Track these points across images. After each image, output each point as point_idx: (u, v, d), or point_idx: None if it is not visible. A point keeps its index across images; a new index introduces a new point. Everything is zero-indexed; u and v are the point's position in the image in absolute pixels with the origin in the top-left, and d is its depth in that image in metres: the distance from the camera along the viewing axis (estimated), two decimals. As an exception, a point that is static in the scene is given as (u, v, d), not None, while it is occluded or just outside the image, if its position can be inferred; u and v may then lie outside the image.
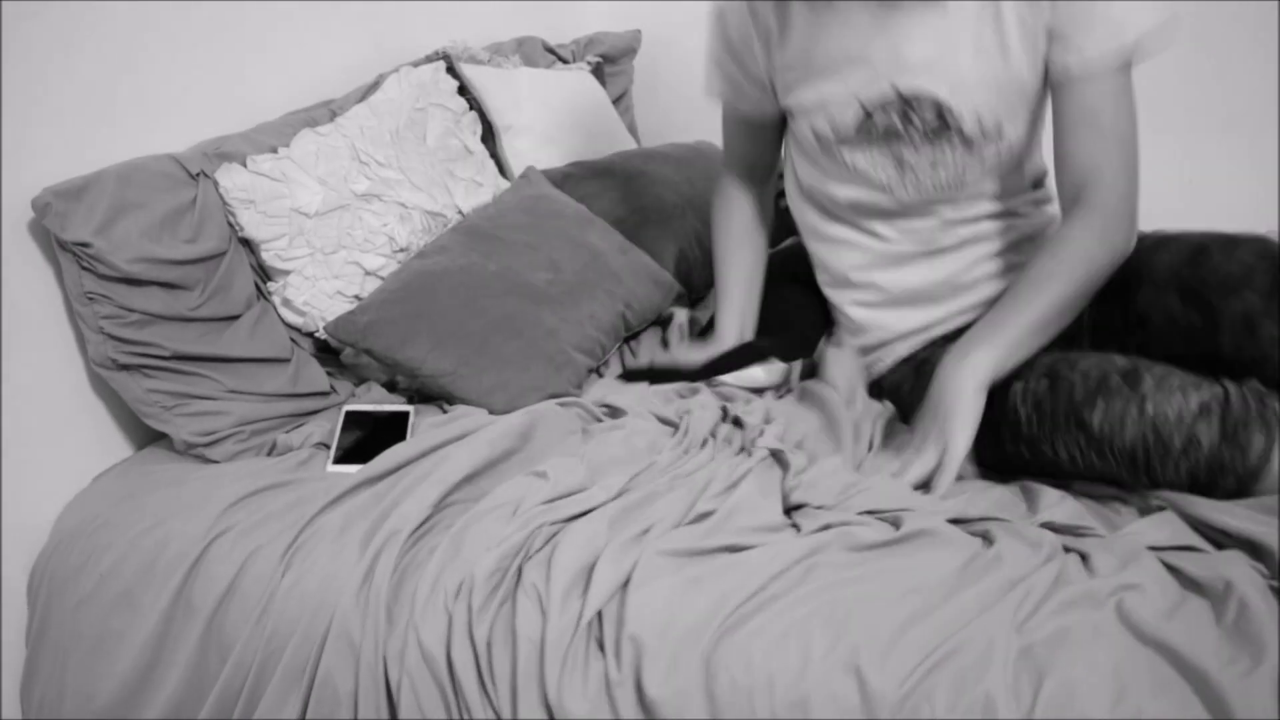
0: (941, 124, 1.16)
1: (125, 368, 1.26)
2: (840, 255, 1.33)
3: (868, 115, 1.18)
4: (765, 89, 1.29)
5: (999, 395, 1.10)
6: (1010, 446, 1.11)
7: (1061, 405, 1.05)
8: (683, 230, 1.67)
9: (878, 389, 1.34)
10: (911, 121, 1.17)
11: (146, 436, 1.39)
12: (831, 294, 1.39)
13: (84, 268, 1.22)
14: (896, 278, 1.30)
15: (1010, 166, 1.23)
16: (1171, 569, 0.93)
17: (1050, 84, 1.16)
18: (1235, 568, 0.89)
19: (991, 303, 1.21)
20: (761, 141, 1.40)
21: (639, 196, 1.68)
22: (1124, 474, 1.04)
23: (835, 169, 1.27)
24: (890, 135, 1.19)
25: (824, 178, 1.30)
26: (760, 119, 1.37)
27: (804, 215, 1.38)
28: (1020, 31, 1.14)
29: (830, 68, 1.19)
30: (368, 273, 1.47)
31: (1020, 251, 1.29)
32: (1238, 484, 0.99)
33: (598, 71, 2.07)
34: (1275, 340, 1.05)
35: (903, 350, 1.32)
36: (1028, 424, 1.08)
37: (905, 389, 1.28)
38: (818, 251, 1.38)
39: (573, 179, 1.68)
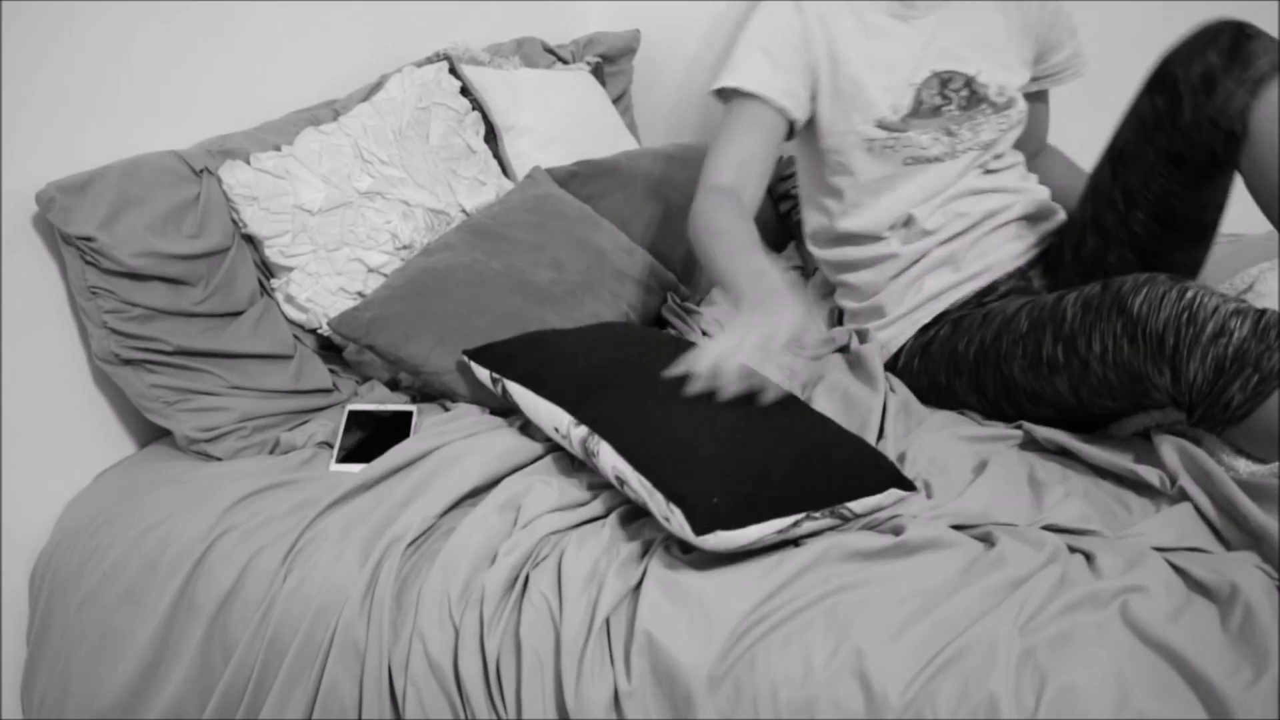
0: (972, 95, 1.38)
1: (128, 363, 1.26)
2: (879, 267, 1.45)
3: (918, 96, 1.37)
4: (806, 87, 1.38)
5: (1049, 305, 1.20)
6: (1050, 348, 1.18)
7: (1110, 298, 1.12)
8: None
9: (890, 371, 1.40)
10: (948, 98, 1.38)
11: (149, 433, 1.39)
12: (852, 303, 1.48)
13: (87, 262, 1.21)
14: (924, 247, 1.42)
15: (1020, 135, 1.47)
16: (1178, 570, 0.93)
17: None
18: (1242, 570, 0.90)
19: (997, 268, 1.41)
20: (766, 158, 1.37)
21: (645, 195, 1.68)
22: (1150, 365, 1.07)
23: (893, 164, 1.40)
24: (935, 111, 1.38)
25: (870, 195, 1.42)
26: (779, 126, 1.37)
27: (838, 254, 1.48)
28: (1021, 32, 1.43)
29: (891, 60, 1.38)
30: (370, 270, 1.47)
31: (1025, 225, 1.44)
32: (1259, 384, 1.02)
33: (597, 71, 2.07)
34: (1230, 95, 1.17)
35: (920, 319, 1.40)
36: (1072, 321, 1.15)
37: (915, 365, 1.37)
38: (849, 279, 1.48)
39: (579, 177, 1.68)
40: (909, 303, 1.41)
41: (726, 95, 1.38)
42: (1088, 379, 1.14)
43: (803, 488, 0.97)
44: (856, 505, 1.00)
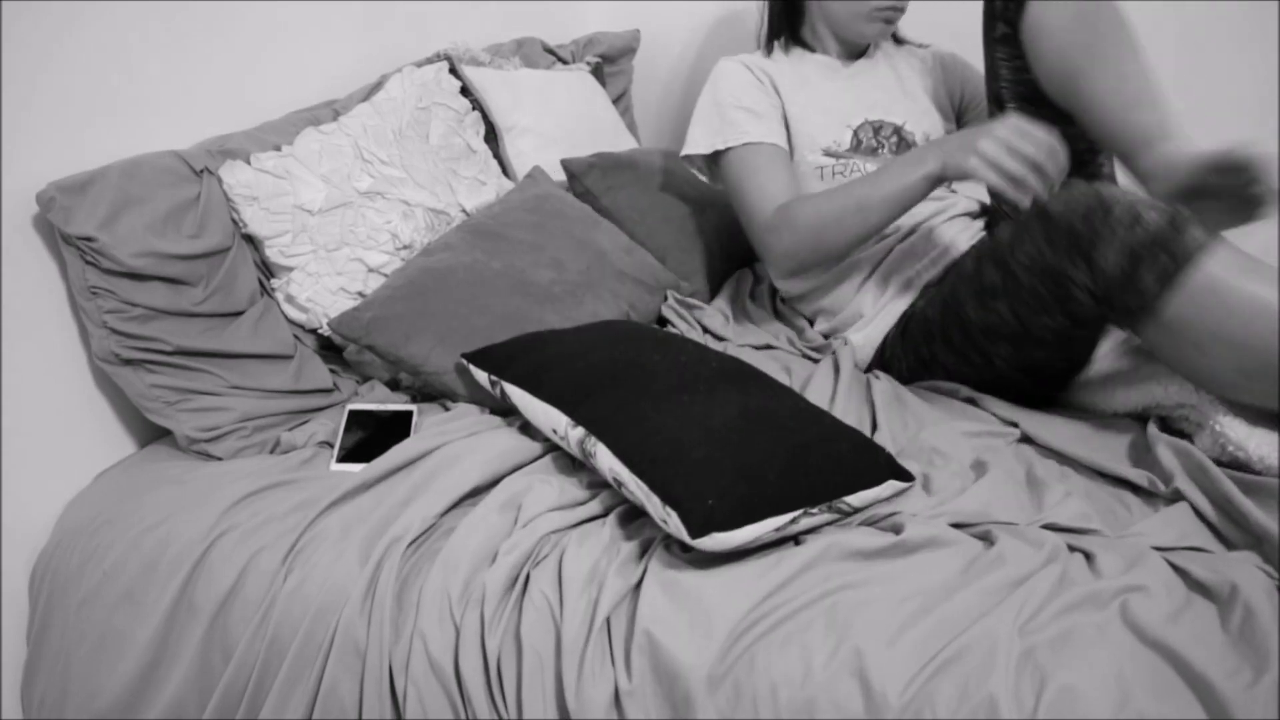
0: (901, 140, 1.54)
1: (128, 363, 1.26)
2: (848, 282, 1.52)
3: (856, 136, 1.53)
4: (781, 124, 1.53)
5: (990, 240, 1.29)
6: (989, 275, 1.23)
7: (1032, 209, 1.17)
8: (706, 225, 1.70)
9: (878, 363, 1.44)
10: (881, 143, 1.53)
11: (149, 433, 1.39)
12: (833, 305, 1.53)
13: (88, 262, 1.21)
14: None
15: None
16: (1178, 570, 0.93)
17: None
18: (1243, 570, 0.90)
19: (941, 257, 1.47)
20: (794, 180, 1.50)
21: (661, 191, 1.70)
22: (1068, 261, 1.11)
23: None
24: (872, 151, 1.53)
25: None
26: (785, 155, 1.52)
27: (809, 284, 1.55)
28: (937, 86, 1.64)
29: (828, 106, 1.54)
30: (370, 270, 1.47)
31: (970, 218, 1.54)
32: (1172, 266, 1.05)
33: (597, 71, 2.07)
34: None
35: (898, 308, 1.44)
36: (1005, 243, 1.21)
37: (900, 348, 1.41)
38: (824, 304, 1.54)
39: (597, 169, 1.68)
40: (885, 298, 1.45)
41: (721, 155, 1.52)
42: (1021, 294, 1.18)
43: (798, 484, 0.97)
44: (854, 499, 1.00)
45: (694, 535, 0.93)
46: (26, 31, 1.21)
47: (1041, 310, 1.17)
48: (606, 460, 1.04)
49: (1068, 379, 1.28)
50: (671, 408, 1.06)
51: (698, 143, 1.53)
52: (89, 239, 1.20)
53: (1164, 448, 1.10)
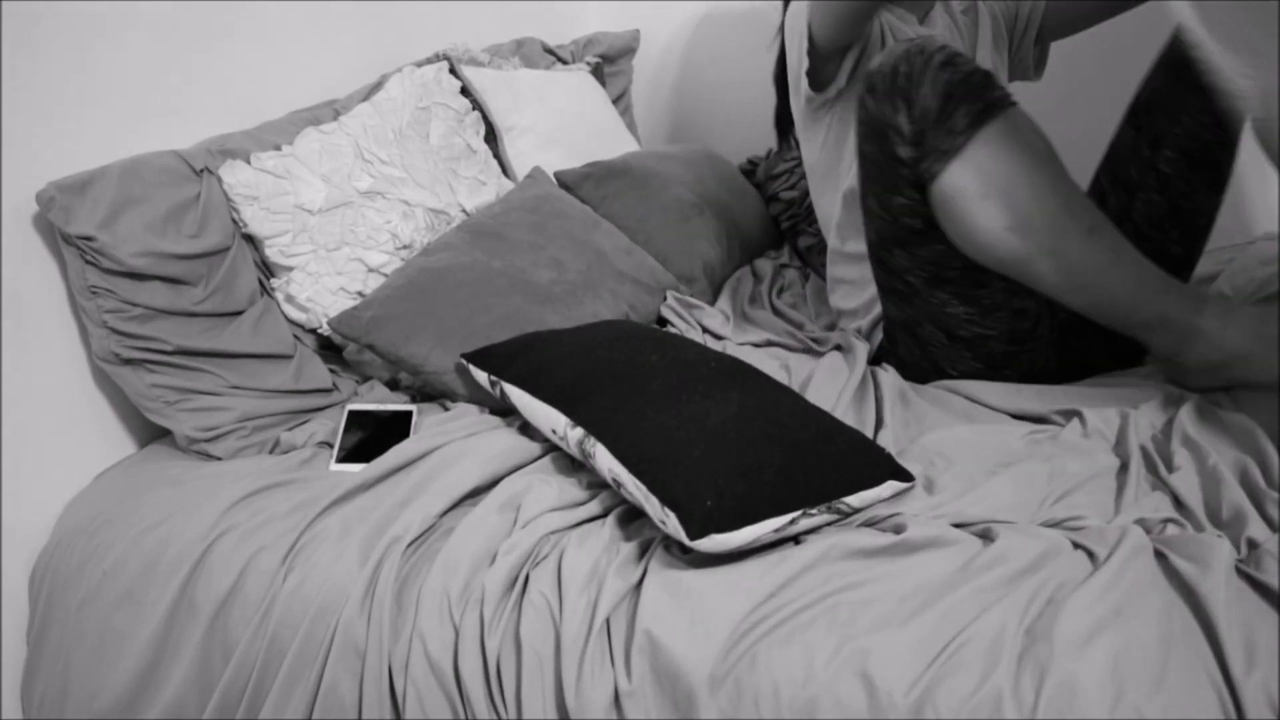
0: None
1: (128, 362, 1.26)
2: None
3: None
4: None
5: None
6: (860, 181, 1.26)
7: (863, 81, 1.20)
8: (704, 229, 1.69)
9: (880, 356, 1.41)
10: None
11: (149, 433, 1.39)
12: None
13: (88, 262, 1.21)
14: None
15: None
16: (1161, 557, 0.92)
17: None
18: (1218, 554, 0.89)
19: None
20: None
21: (658, 195, 1.69)
22: (888, 107, 1.15)
23: None
24: None
25: None
26: None
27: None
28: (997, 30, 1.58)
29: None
30: (370, 269, 1.47)
31: None
32: (982, 110, 1.12)
33: (597, 72, 2.07)
34: None
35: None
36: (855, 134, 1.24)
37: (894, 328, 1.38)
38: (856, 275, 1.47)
39: (591, 179, 1.68)
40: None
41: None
42: (869, 176, 1.23)
43: (797, 484, 0.97)
44: (854, 499, 0.99)
45: (693, 537, 0.93)
46: (27, 31, 1.21)
47: (888, 185, 1.20)
48: (605, 461, 1.04)
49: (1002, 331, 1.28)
50: (670, 407, 1.06)
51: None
52: (89, 238, 1.20)
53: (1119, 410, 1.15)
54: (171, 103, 1.40)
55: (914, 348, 1.33)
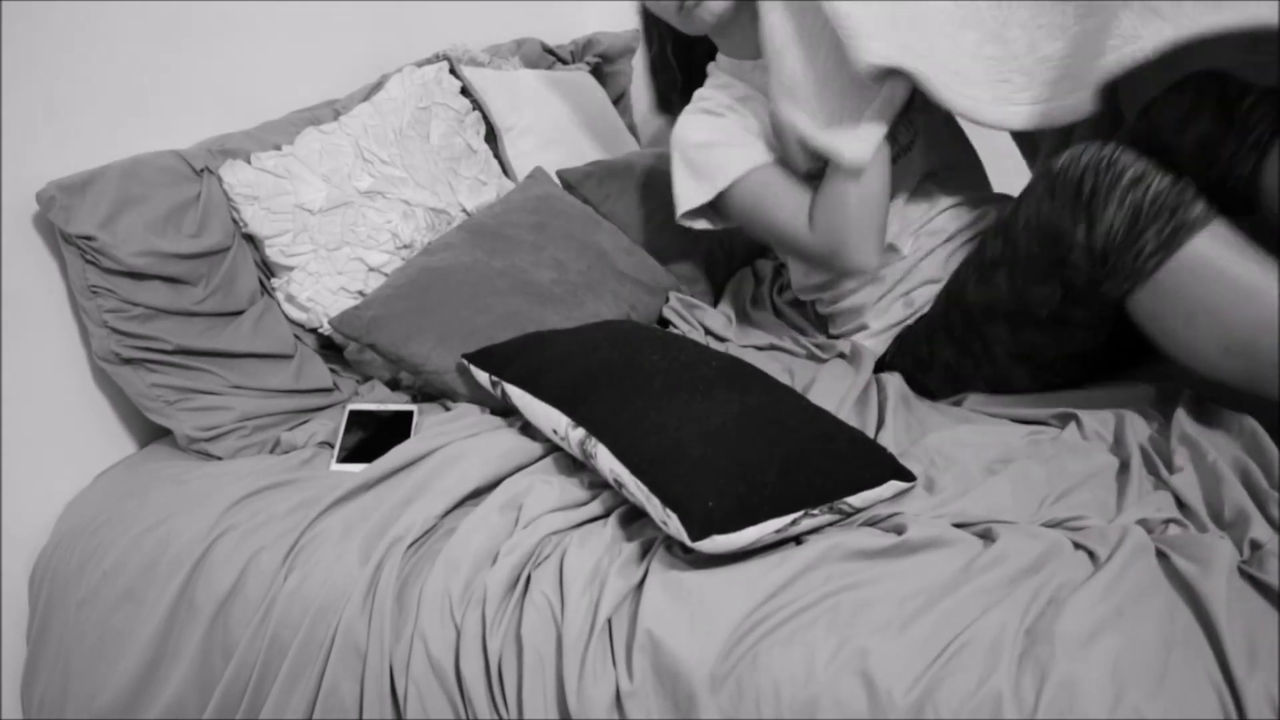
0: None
1: (128, 362, 1.26)
2: (866, 290, 1.45)
3: None
4: (763, 138, 1.41)
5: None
6: (992, 245, 1.20)
7: (1040, 170, 1.14)
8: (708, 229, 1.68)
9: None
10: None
11: (150, 433, 1.39)
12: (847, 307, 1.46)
13: (88, 261, 1.21)
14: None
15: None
16: (1162, 557, 0.92)
17: None
18: (1220, 554, 0.89)
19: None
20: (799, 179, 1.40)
21: (661, 195, 1.69)
22: (1068, 217, 1.09)
23: None
24: None
25: None
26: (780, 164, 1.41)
27: (825, 291, 1.49)
28: None
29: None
30: (371, 269, 1.47)
31: None
32: (1172, 233, 1.04)
33: (596, 72, 2.07)
34: (1233, 157, 1.11)
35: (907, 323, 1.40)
36: (1009, 209, 1.19)
37: (898, 353, 1.38)
38: (839, 307, 1.47)
39: (593, 178, 1.68)
40: (897, 315, 1.41)
41: (722, 198, 1.39)
42: (1019, 259, 1.16)
43: (798, 485, 0.97)
44: (855, 499, 0.99)
45: (695, 538, 0.93)
46: (27, 31, 1.21)
47: (1038, 277, 1.15)
48: (607, 461, 1.04)
49: (1067, 376, 1.28)
50: (671, 407, 1.06)
51: (690, 197, 1.39)
52: (89, 238, 1.20)
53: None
54: (172, 103, 1.40)
55: (944, 381, 1.32)
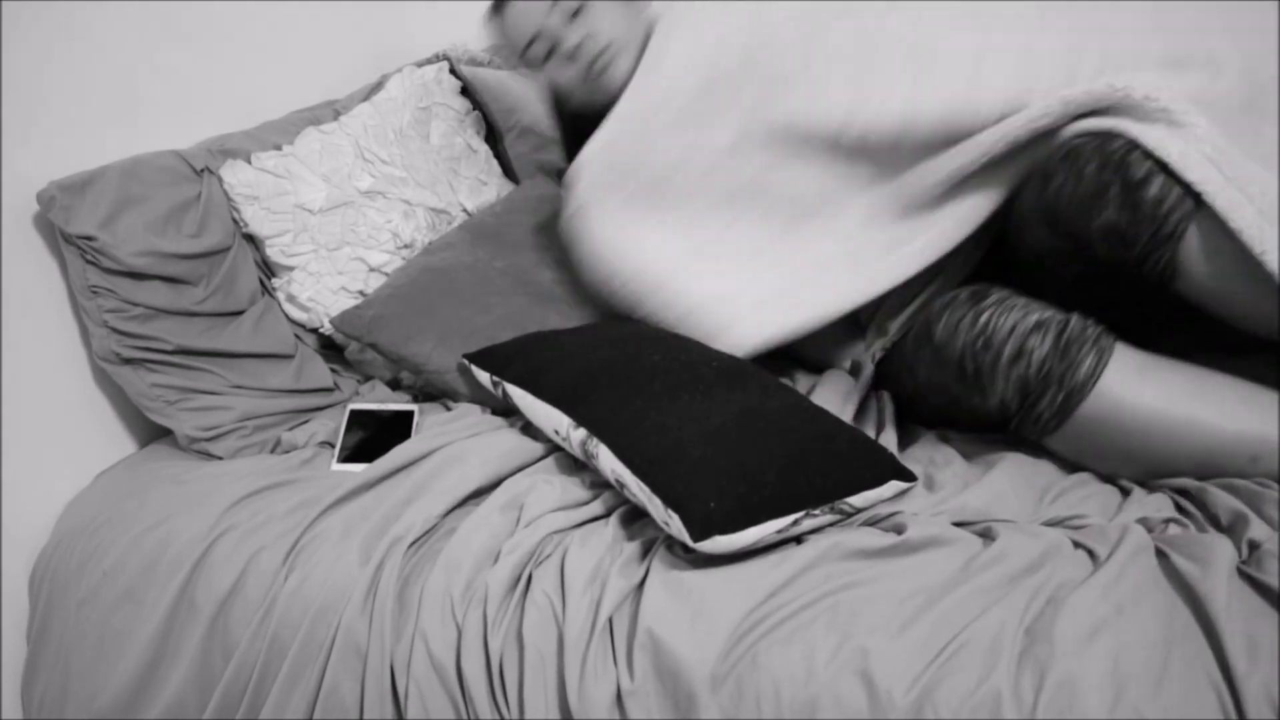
0: None
1: (129, 362, 1.26)
2: None
3: None
4: None
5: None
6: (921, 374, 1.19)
7: (921, 325, 1.15)
8: None
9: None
10: None
11: (150, 433, 1.39)
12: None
13: (88, 261, 1.21)
14: None
15: None
16: (1162, 555, 0.92)
17: None
18: (1220, 553, 0.89)
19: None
20: None
21: None
22: (961, 389, 1.09)
23: None
24: None
25: None
26: None
27: None
28: None
29: None
30: (372, 269, 1.47)
31: None
32: (1064, 400, 1.03)
33: (597, 71, 2.07)
34: (1147, 244, 1.05)
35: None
36: (909, 357, 1.20)
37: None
38: None
39: None
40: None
41: None
42: (932, 400, 1.17)
43: (798, 485, 0.97)
44: (856, 500, 0.99)
45: (696, 539, 0.93)
46: (27, 31, 1.21)
47: (962, 410, 1.14)
48: (608, 461, 1.04)
49: None
50: (672, 408, 1.06)
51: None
52: (89, 238, 1.20)
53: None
54: (172, 102, 1.40)
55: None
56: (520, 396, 1.19)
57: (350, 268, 1.45)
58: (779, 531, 0.95)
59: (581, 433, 1.09)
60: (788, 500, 0.95)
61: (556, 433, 1.14)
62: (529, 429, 1.25)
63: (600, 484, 1.12)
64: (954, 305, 1.09)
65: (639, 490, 1.00)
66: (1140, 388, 1.02)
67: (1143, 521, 0.98)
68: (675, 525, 0.95)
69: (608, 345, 1.21)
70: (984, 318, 1.06)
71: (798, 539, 0.99)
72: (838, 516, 0.99)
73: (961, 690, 0.82)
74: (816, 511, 0.97)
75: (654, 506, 0.98)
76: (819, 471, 0.99)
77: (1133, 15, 1.17)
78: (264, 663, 1.04)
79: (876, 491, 1.01)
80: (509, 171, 1.75)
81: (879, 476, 1.01)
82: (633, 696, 0.89)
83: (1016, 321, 1.05)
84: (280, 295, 1.44)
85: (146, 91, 1.36)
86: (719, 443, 1.00)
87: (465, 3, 1.94)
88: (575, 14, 1.37)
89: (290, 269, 1.42)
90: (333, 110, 1.55)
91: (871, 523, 1.02)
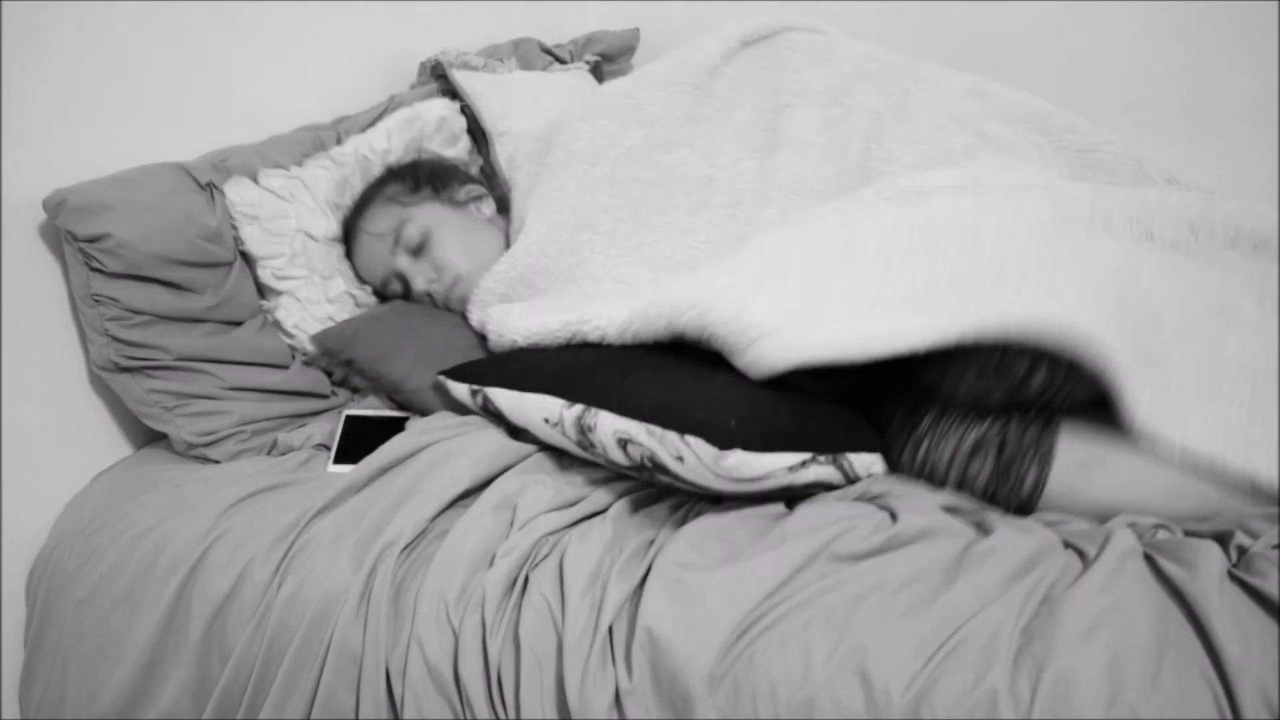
0: None
1: (126, 370, 1.25)
2: None
3: None
4: None
5: None
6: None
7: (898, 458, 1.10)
8: None
9: None
10: None
11: (147, 434, 1.39)
12: None
13: (93, 269, 1.21)
14: None
15: None
16: (1149, 560, 0.93)
17: None
18: (1208, 557, 0.89)
19: None
20: None
21: None
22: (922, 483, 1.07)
23: None
24: None
25: None
26: None
27: None
28: None
29: None
30: (359, 306, 1.47)
31: None
32: (1017, 511, 1.04)
33: (596, 70, 2.06)
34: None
35: None
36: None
37: None
38: None
39: None
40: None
41: None
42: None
43: (809, 428, 1.00)
44: (855, 460, 1.02)
45: (722, 446, 0.93)
46: (28, 33, 1.21)
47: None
48: (609, 426, 1.02)
49: None
50: (671, 376, 1.06)
51: None
52: (98, 239, 1.19)
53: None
54: (176, 108, 1.39)
55: None
56: (504, 396, 1.17)
57: (340, 299, 1.45)
58: (789, 469, 0.96)
59: (577, 409, 1.07)
60: (800, 438, 0.98)
61: (547, 421, 1.11)
62: (514, 433, 1.23)
63: (593, 482, 1.12)
64: (893, 429, 1.08)
65: (646, 437, 0.99)
66: (1088, 483, 1.03)
67: (1132, 526, 0.98)
68: (692, 451, 0.95)
69: (592, 348, 1.20)
70: (922, 450, 1.05)
71: (788, 503, 1.01)
72: (837, 474, 1.01)
73: (958, 689, 0.82)
74: (822, 459, 0.99)
75: (665, 446, 0.98)
76: (826, 422, 1.02)
77: None
78: (261, 666, 1.03)
79: (871, 457, 1.04)
80: (499, 177, 1.74)
81: (875, 444, 1.06)
82: (631, 696, 0.89)
83: (955, 447, 1.04)
84: (267, 319, 1.41)
85: (151, 97, 1.36)
86: (731, 388, 1.01)
87: (464, 2, 1.94)
88: (419, 250, 1.41)
89: (279, 294, 1.40)
90: (336, 134, 1.53)
91: (863, 498, 1.03)
